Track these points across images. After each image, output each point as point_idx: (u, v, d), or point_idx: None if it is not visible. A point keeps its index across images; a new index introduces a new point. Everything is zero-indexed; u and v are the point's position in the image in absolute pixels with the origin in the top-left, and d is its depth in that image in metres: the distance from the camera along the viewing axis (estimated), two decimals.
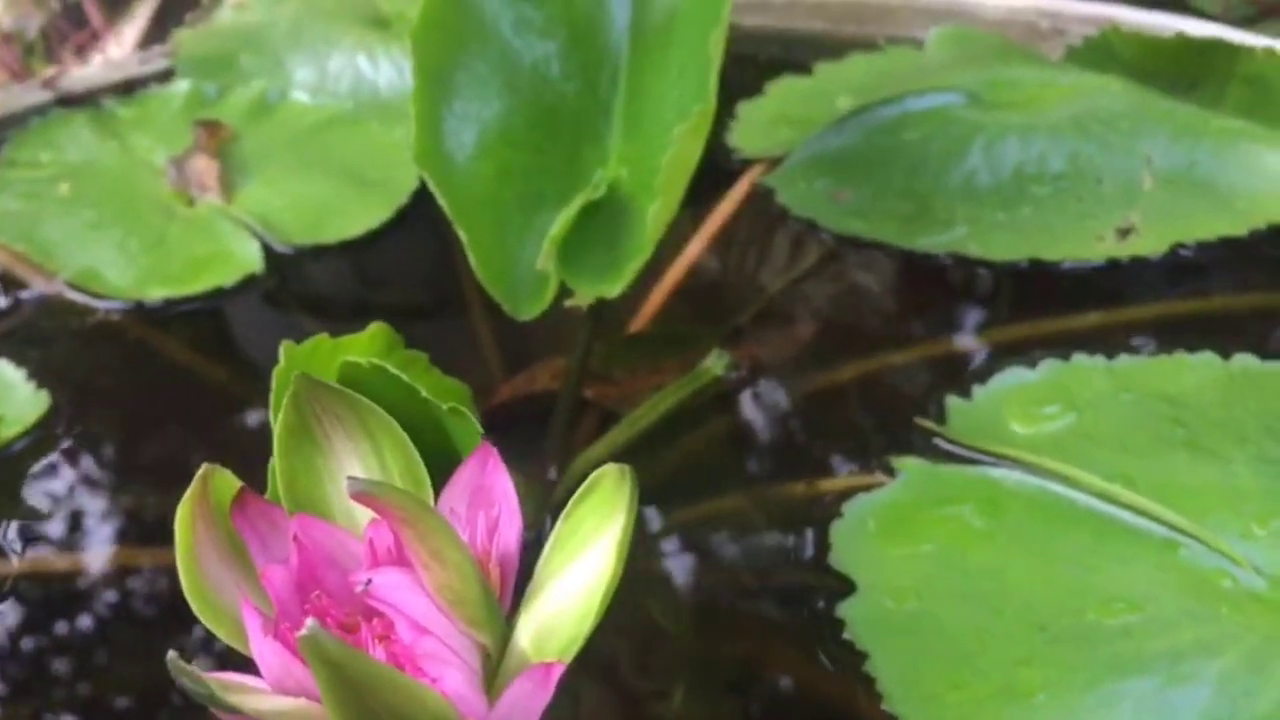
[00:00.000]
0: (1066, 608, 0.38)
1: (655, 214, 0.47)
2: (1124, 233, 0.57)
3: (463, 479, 0.27)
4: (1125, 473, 0.42)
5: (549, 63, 0.56)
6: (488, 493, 0.26)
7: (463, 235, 0.48)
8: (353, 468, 0.26)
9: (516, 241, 0.51)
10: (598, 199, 0.52)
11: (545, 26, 0.57)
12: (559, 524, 0.28)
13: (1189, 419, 0.45)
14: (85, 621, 0.42)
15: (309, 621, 0.20)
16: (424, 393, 0.32)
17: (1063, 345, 0.49)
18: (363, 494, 0.23)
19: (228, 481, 0.27)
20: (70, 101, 0.76)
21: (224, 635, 0.26)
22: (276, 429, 0.28)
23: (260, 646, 0.23)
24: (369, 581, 0.23)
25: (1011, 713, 0.35)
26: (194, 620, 0.40)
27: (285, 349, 0.35)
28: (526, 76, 0.56)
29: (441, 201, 0.49)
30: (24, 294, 0.60)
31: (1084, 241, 0.57)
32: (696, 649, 0.41)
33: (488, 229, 0.50)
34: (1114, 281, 0.55)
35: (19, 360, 0.53)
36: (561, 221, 0.49)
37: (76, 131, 0.73)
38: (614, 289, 0.48)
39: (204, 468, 0.26)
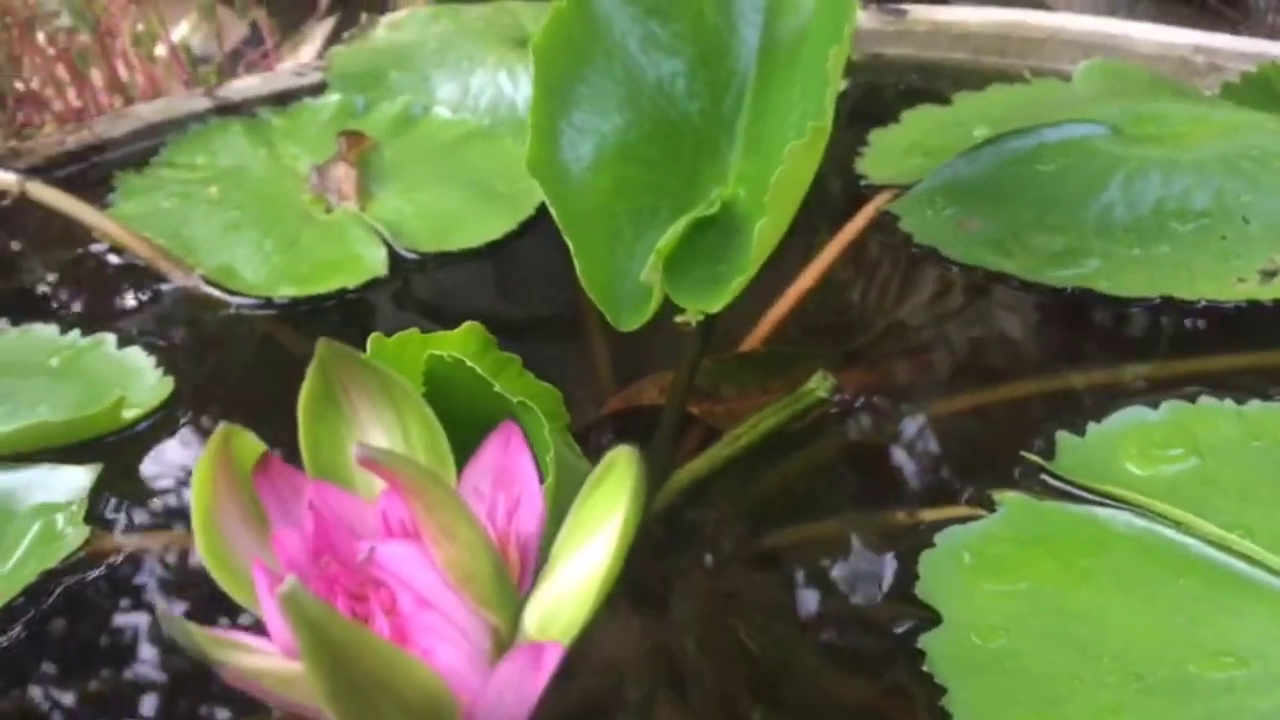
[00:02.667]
0: (1166, 657, 0.36)
1: (762, 230, 0.46)
2: (1269, 275, 0.54)
3: (485, 458, 0.27)
4: (1245, 523, 0.40)
5: (674, 80, 0.56)
6: (510, 473, 0.26)
7: (570, 243, 0.48)
8: (376, 438, 0.26)
9: (626, 254, 0.51)
10: (710, 215, 0.52)
11: (673, 44, 0.57)
12: (575, 506, 0.27)
13: None
14: (180, 600, 0.44)
15: (288, 578, 0.20)
16: (498, 387, 0.32)
17: (1190, 388, 0.47)
18: (370, 460, 0.22)
19: (251, 444, 0.27)
20: (228, 110, 0.80)
21: (239, 597, 0.26)
22: (302, 396, 0.28)
23: (269, 607, 0.23)
24: (372, 550, 0.23)
25: None
26: None
27: (373, 340, 0.35)
28: (649, 93, 0.56)
29: (552, 210, 0.49)
30: (163, 286, 0.62)
31: (1224, 282, 0.54)
32: (773, 671, 0.40)
33: (597, 239, 0.50)
34: (1252, 325, 0.52)
35: (150, 348, 0.55)
36: (670, 235, 0.49)
37: (231, 138, 0.76)
38: (716, 305, 0.48)
39: (223, 427, 0.26)
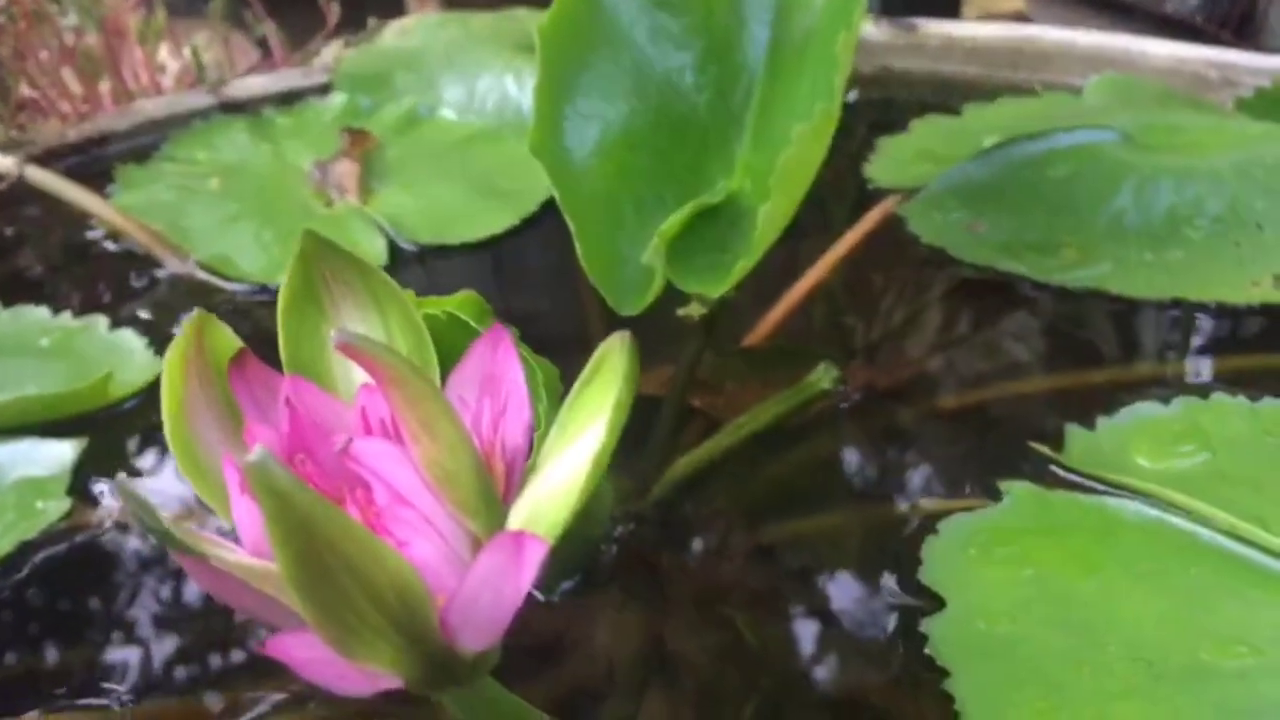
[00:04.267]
0: (1178, 645, 0.34)
1: (767, 214, 0.46)
2: None
3: (471, 365, 0.26)
4: (1259, 514, 0.39)
5: (682, 72, 0.56)
6: (497, 381, 0.25)
7: (572, 226, 0.47)
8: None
9: (629, 241, 0.50)
10: (716, 204, 0.51)
11: (682, 37, 0.56)
12: (565, 407, 0.26)
13: None
14: (159, 572, 0.42)
15: (257, 446, 0.19)
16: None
17: (1202, 388, 0.46)
18: (349, 346, 0.21)
19: (226, 339, 0.26)
20: (232, 108, 0.79)
21: (208, 498, 0.25)
22: (281, 291, 0.27)
23: (239, 506, 0.22)
24: (349, 441, 0.21)
25: None
26: None
27: None
28: (657, 84, 0.55)
29: (555, 192, 0.48)
30: (158, 272, 0.62)
31: (1237, 286, 0.53)
32: (770, 655, 0.39)
33: (600, 224, 0.49)
34: (1266, 328, 0.51)
35: (143, 329, 0.54)
36: (675, 219, 0.48)
37: (234, 135, 0.76)
38: (718, 290, 0.47)
39: (197, 314, 0.25)
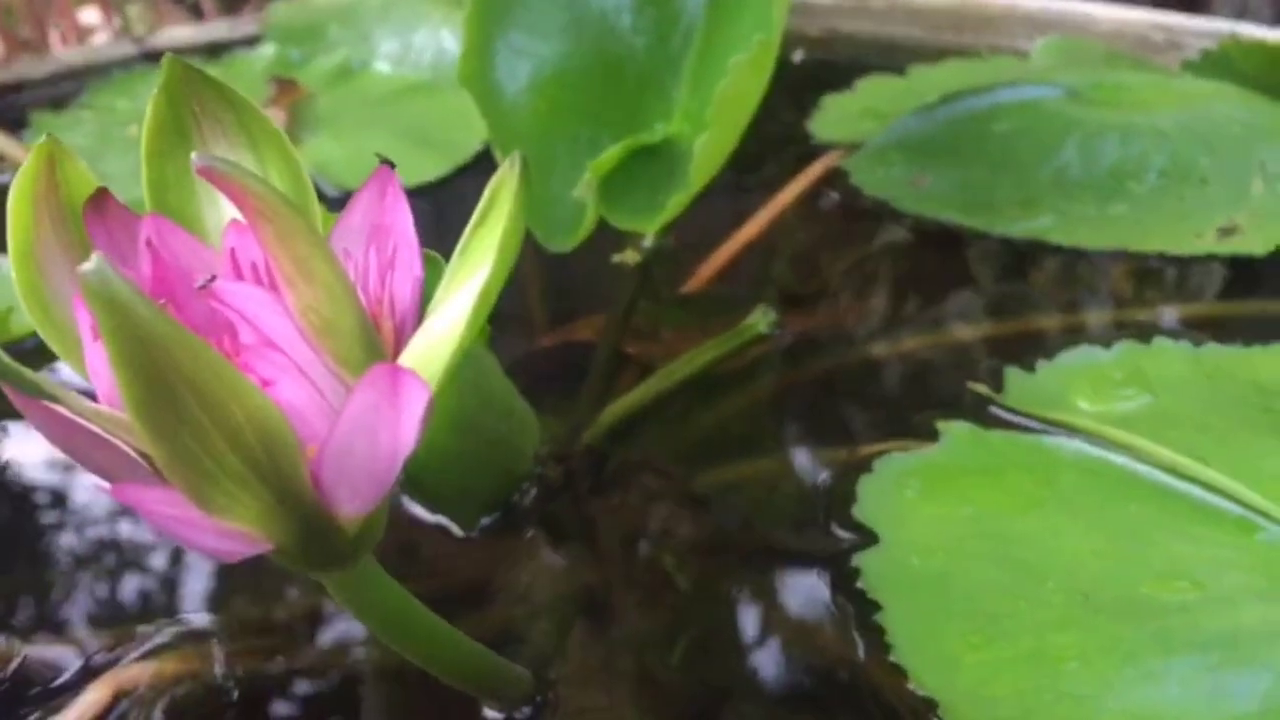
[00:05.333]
0: (1116, 579, 0.33)
1: (704, 146, 0.44)
2: (1227, 232, 0.52)
3: (354, 215, 0.24)
4: (1200, 454, 0.37)
5: (619, 14, 0.54)
6: (385, 231, 0.23)
7: (499, 157, 0.46)
8: None
9: (561, 181, 0.49)
10: (652, 144, 0.50)
11: None
12: (454, 257, 0.24)
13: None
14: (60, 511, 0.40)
15: (94, 255, 0.17)
16: None
17: (1144, 333, 0.45)
18: (212, 171, 0.19)
19: (83, 176, 0.24)
20: (155, 59, 0.76)
21: (61, 351, 0.23)
22: (144, 127, 0.25)
23: (92, 352, 0.20)
24: (212, 278, 0.19)
25: (1036, 679, 0.30)
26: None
27: None
28: (594, 24, 0.54)
29: (485, 124, 0.47)
30: None
31: (1180, 238, 0.52)
32: (700, 596, 0.37)
33: (531, 160, 0.47)
34: (1206, 279, 0.50)
35: None
36: (609, 155, 0.47)
37: (157, 84, 0.73)
38: (651, 226, 0.45)
39: (47, 140, 0.23)
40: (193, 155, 0.19)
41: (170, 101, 0.25)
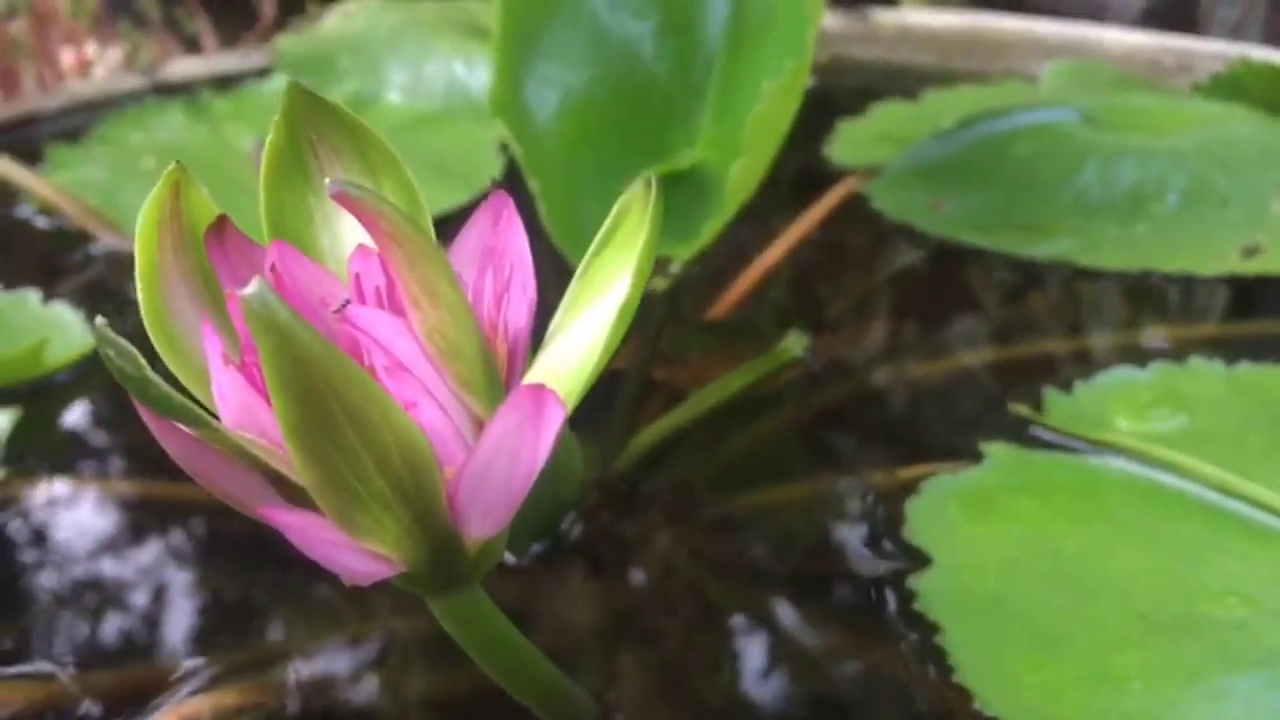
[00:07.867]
0: (1172, 598, 0.33)
1: (737, 172, 0.44)
2: (1250, 252, 0.52)
3: (469, 239, 0.23)
4: (1242, 471, 0.38)
5: (641, 43, 0.55)
6: (500, 255, 0.22)
7: (535, 184, 0.46)
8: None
9: (591, 203, 0.49)
10: (681, 171, 0.50)
11: (640, 8, 0.55)
12: (578, 276, 0.24)
13: None
14: (93, 543, 0.40)
15: (254, 279, 0.16)
16: None
17: (1176, 354, 0.45)
18: (345, 196, 0.19)
19: (204, 203, 0.24)
20: (166, 91, 0.76)
21: (183, 376, 0.22)
22: (265, 154, 0.25)
23: (220, 378, 0.20)
24: (347, 303, 0.19)
25: (1101, 699, 0.30)
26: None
27: None
28: (618, 52, 0.54)
29: (518, 150, 0.47)
30: (93, 248, 0.59)
31: (1204, 258, 0.53)
32: (750, 620, 0.37)
33: (562, 184, 0.48)
34: (1233, 299, 0.51)
35: (78, 303, 0.52)
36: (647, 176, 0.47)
37: (169, 117, 0.73)
38: (687, 251, 0.45)
39: (174, 169, 0.23)
40: (326, 180, 0.20)
41: (289, 128, 0.24)
